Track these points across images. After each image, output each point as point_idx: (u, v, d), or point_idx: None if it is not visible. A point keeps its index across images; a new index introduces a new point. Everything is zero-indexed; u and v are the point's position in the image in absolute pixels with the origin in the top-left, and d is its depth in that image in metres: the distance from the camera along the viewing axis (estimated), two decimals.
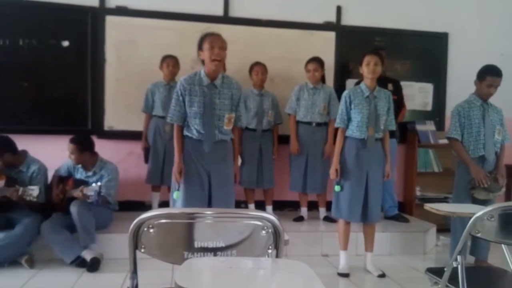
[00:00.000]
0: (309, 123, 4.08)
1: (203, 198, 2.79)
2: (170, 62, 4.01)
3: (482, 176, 3.28)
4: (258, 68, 4.11)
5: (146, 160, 4.10)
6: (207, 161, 2.80)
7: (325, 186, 4.13)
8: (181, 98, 2.78)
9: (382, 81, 3.57)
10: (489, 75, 3.33)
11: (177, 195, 2.79)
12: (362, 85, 3.19)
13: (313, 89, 4.08)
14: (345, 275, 3.23)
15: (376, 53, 3.14)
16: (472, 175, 3.31)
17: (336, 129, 3.33)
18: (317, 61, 4.05)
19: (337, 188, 3.19)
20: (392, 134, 3.60)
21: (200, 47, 2.73)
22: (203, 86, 2.76)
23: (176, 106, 2.79)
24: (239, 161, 4.03)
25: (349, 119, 3.19)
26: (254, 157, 4.11)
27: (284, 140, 4.32)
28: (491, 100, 3.45)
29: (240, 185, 4.17)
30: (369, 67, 3.09)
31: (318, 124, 4.08)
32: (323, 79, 4.17)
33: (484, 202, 3.18)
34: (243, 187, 4.20)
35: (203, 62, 2.76)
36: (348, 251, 3.32)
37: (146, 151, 4.10)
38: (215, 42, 2.65)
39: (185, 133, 2.85)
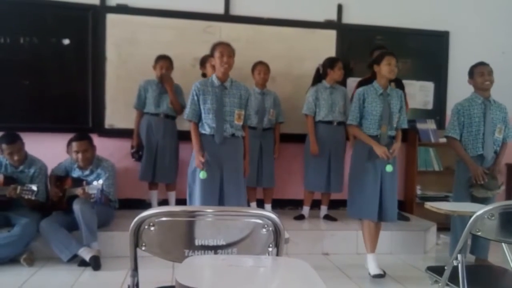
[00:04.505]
0: (331, 122, 4.09)
1: (216, 192, 3.06)
2: (164, 65, 3.98)
3: (479, 173, 3.29)
4: (260, 68, 4.11)
5: (138, 158, 4.06)
6: (219, 156, 3.08)
7: (343, 185, 4.13)
8: (195, 98, 3.10)
9: None
10: (475, 67, 3.41)
11: (203, 175, 3.01)
12: (375, 83, 3.19)
13: (330, 88, 4.09)
14: (381, 276, 3.12)
15: (394, 55, 3.16)
16: (470, 172, 3.33)
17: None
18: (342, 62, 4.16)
19: (388, 168, 3.10)
20: None
21: (212, 54, 3.09)
22: (214, 87, 3.10)
23: (192, 105, 3.11)
24: None
25: (361, 117, 3.18)
26: (254, 155, 4.09)
27: (287, 139, 4.32)
28: (495, 96, 3.45)
29: None
30: (390, 67, 3.11)
31: (339, 123, 4.09)
32: None
33: (483, 201, 3.19)
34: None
35: (213, 67, 3.13)
36: (348, 249, 3.30)
37: (138, 147, 4.06)
38: (225, 51, 3.03)
39: (200, 131, 3.12)
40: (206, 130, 3.09)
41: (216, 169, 3.07)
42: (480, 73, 3.37)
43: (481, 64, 3.39)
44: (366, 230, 3.20)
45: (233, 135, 3.11)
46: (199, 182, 3.06)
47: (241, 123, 3.16)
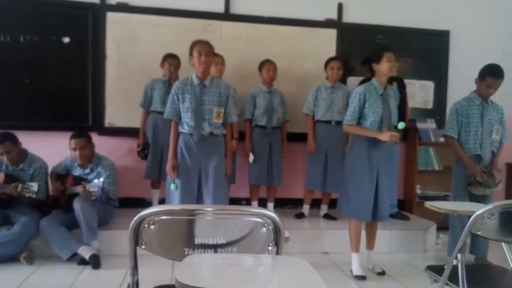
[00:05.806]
0: (329, 122, 4.09)
1: (193, 190, 3.09)
2: (173, 63, 3.99)
3: (477, 170, 3.30)
4: (269, 65, 4.10)
5: (144, 156, 4.06)
6: (198, 154, 3.10)
7: None
8: (175, 97, 3.12)
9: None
10: (489, 76, 3.30)
11: (174, 187, 3.10)
12: (375, 82, 3.10)
13: (331, 88, 4.09)
14: (363, 278, 3.13)
15: (391, 49, 3.07)
16: (468, 170, 3.33)
17: None
18: (340, 60, 4.12)
19: (400, 125, 3.06)
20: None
21: (190, 53, 3.07)
22: (194, 86, 3.11)
23: (172, 104, 3.13)
24: (251, 158, 4.06)
25: (359, 117, 3.10)
26: (264, 154, 4.12)
27: (291, 137, 4.32)
28: (492, 97, 3.44)
29: (249, 182, 4.18)
30: (391, 63, 3.02)
31: (338, 123, 4.05)
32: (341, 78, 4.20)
33: (481, 199, 3.21)
34: (250, 184, 4.20)
35: (193, 65, 3.09)
36: (347, 248, 3.29)
37: (144, 146, 4.07)
38: (203, 50, 3.01)
39: (179, 129, 3.14)
40: (185, 128, 3.10)
41: (195, 168, 3.08)
42: (488, 85, 3.31)
43: (496, 76, 3.28)
44: (353, 229, 3.21)
45: (211, 133, 3.10)
46: (176, 180, 3.09)
47: (220, 121, 3.15)
